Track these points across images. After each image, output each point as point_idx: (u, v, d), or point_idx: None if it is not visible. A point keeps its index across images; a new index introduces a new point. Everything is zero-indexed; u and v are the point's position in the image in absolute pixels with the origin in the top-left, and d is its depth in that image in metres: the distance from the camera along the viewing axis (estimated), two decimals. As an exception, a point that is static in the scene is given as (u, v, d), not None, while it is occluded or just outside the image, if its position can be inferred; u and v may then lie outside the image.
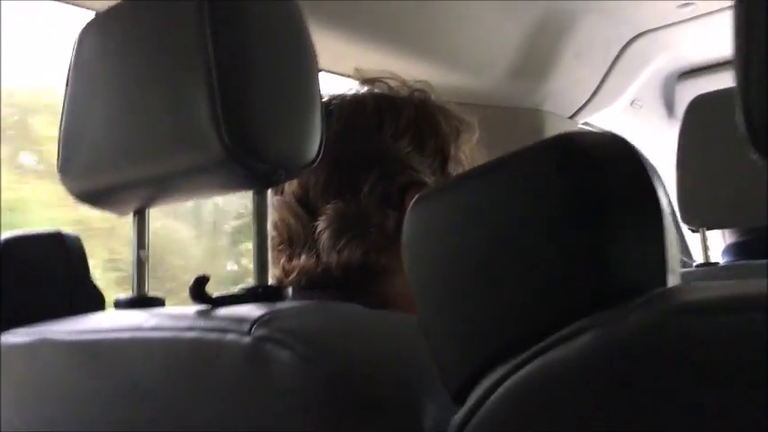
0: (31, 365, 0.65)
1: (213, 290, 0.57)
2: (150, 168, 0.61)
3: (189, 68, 0.57)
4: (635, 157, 0.41)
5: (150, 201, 0.67)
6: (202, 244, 1.70)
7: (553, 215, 0.39)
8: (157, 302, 0.67)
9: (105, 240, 1.39)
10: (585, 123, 1.77)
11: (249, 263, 0.60)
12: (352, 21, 1.17)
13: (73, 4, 0.97)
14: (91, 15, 0.70)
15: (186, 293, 0.56)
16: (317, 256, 0.73)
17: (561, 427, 0.36)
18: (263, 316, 0.50)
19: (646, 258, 0.40)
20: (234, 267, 1.69)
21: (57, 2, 0.96)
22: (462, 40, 1.32)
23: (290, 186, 0.76)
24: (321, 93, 0.61)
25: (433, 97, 0.83)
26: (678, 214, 1.33)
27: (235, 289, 0.59)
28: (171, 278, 1.48)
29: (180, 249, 1.61)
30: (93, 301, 0.74)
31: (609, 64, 1.53)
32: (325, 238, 0.73)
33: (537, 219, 0.39)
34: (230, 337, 0.50)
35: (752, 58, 0.31)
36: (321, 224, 0.73)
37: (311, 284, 0.72)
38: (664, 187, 0.41)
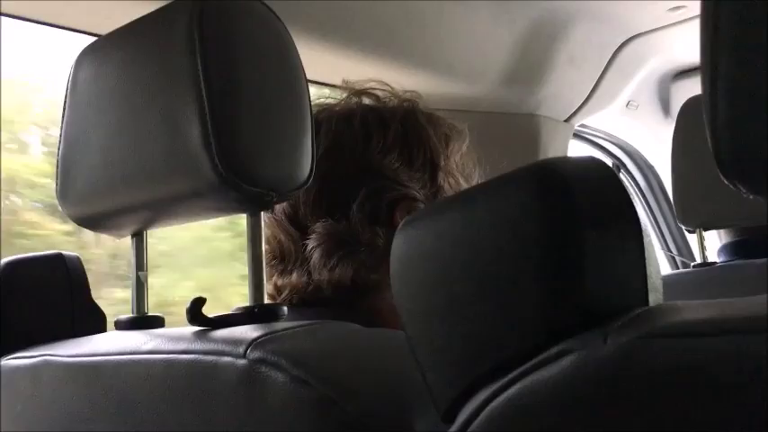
0: (33, 388, 0.66)
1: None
2: (146, 193, 0.62)
3: (181, 94, 0.59)
4: (613, 180, 0.42)
5: (148, 224, 0.68)
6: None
7: (533, 240, 0.40)
8: (157, 322, 0.69)
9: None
10: (582, 126, 1.78)
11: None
12: (345, 33, 1.18)
13: (71, 31, 0.99)
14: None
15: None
16: (309, 274, 0.73)
17: (544, 449, 0.37)
18: (257, 338, 0.51)
19: (626, 279, 0.41)
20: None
21: (55, 28, 0.97)
22: (456, 49, 1.33)
23: (281, 205, 0.76)
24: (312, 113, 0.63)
25: (421, 106, 0.82)
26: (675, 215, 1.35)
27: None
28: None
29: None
30: (95, 320, 0.76)
31: (603, 67, 1.53)
32: (316, 258, 0.73)
33: (517, 244, 0.41)
34: (226, 359, 0.51)
35: (716, 103, 0.33)
36: (312, 242, 0.74)
37: (303, 302, 0.73)
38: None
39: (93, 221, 0.68)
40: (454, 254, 0.43)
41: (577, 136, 1.88)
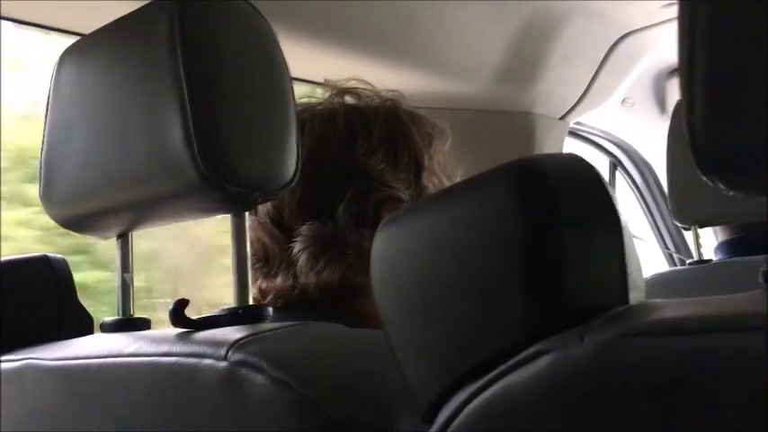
0: (18, 391, 0.66)
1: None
2: (130, 194, 0.62)
3: (163, 93, 0.58)
4: (595, 178, 0.42)
5: (132, 225, 0.67)
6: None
7: (512, 238, 0.40)
8: (142, 324, 0.68)
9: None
10: (578, 123, 1.78)
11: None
12: (337, 31, 1.18)
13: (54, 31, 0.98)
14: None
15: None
16: (294, 277, 0.73)
17: (522, 450, 0.36)
18: (239, 340, 0.51)
19: (606, 277, 0.40)
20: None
21: (41, 29, 0.97)
22: (449, 46, 1.32)
23: (265, 207, 0.75)
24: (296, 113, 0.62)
25: (403, 105, 0.81)
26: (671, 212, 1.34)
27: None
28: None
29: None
30: (82, 322, 0.75)
31: (597, 64, 1.53)
32: (303, 261, 0.72)
33: (497, 242, 0.40)
34: (207, 362, 0.51)
35: (693, 99, 0.33)
36: (298, 245, 0.73)
37: (288, 306, 0.72)
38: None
39: (77, 223, 0.68)
40: (433, 253, 0.43)
41: (573, 134, 1.87)
